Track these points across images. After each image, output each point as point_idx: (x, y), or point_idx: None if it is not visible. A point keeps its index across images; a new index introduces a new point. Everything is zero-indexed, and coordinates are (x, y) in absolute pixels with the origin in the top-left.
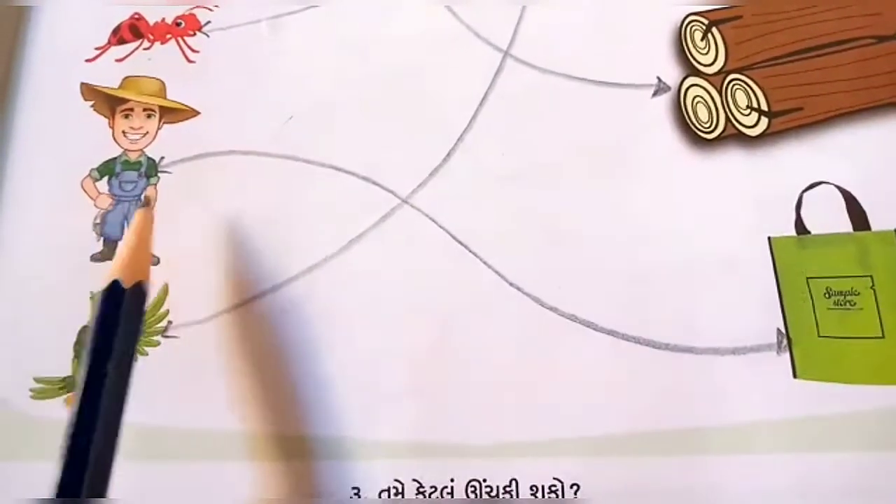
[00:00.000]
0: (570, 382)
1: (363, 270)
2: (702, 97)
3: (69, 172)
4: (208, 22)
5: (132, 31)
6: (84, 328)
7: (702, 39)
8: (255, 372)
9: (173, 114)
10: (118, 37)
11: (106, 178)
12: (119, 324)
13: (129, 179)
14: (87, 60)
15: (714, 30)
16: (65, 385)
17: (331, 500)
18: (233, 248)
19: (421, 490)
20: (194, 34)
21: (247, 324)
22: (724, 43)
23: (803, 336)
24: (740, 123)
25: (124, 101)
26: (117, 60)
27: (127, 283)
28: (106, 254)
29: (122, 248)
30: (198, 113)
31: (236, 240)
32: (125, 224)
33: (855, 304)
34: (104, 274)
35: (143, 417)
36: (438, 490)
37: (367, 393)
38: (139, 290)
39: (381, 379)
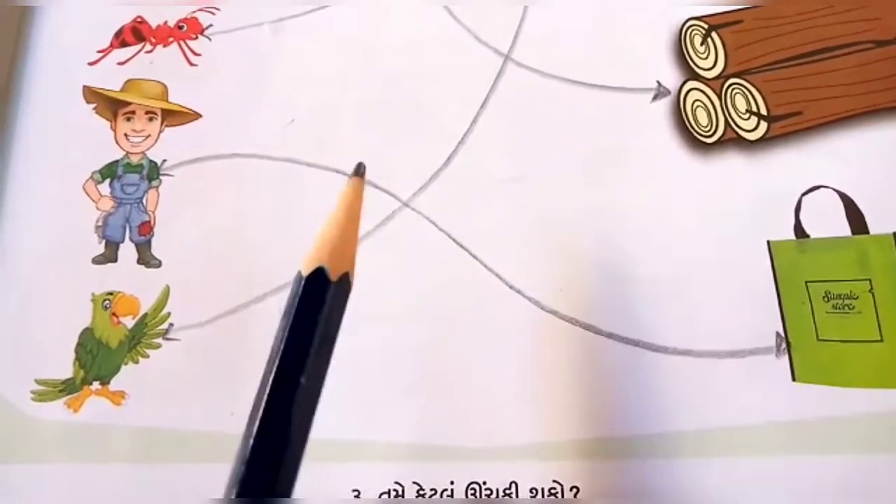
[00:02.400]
0: (570, 385)
1: (364, 273)
2: (701, 101)
3: (71, 175)
4: (210, 25)
5: (134, 34)
6: (85, 330)
7: (701, 44)
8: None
9: (175, 117)
10: (120, 39)
11: (108, 181)
12: (318, 322)
13: (130, 182)
14: (90, 63)
15: (714, 34)
16: (65, 387)
17: (331, 502)
18: (234, 251)
19: (421, 492)
20: (196, 37)
21: (247, 327)
22: (724, 47)
23: (802, 339)
24: (740, 127)
25: (126, 103)
26: (119, 63)
27: (334, 275)
28: (108, 256)
29: (331, 228)
30: (199, 116)
31: (237, 242)
32: (126, 227)
33: (854, 307)
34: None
35: (144, 419)
36: (438, 492)
37: (367, 395)
38: (346, 283)
39: (382, 381)
